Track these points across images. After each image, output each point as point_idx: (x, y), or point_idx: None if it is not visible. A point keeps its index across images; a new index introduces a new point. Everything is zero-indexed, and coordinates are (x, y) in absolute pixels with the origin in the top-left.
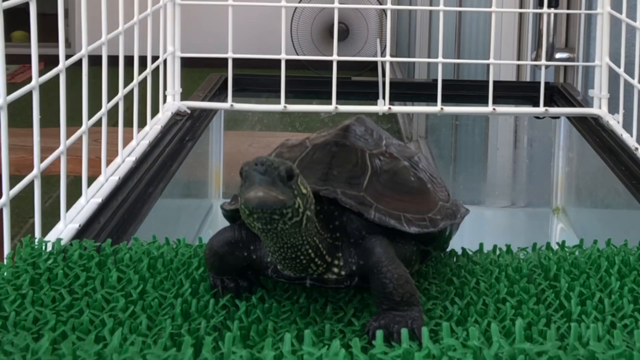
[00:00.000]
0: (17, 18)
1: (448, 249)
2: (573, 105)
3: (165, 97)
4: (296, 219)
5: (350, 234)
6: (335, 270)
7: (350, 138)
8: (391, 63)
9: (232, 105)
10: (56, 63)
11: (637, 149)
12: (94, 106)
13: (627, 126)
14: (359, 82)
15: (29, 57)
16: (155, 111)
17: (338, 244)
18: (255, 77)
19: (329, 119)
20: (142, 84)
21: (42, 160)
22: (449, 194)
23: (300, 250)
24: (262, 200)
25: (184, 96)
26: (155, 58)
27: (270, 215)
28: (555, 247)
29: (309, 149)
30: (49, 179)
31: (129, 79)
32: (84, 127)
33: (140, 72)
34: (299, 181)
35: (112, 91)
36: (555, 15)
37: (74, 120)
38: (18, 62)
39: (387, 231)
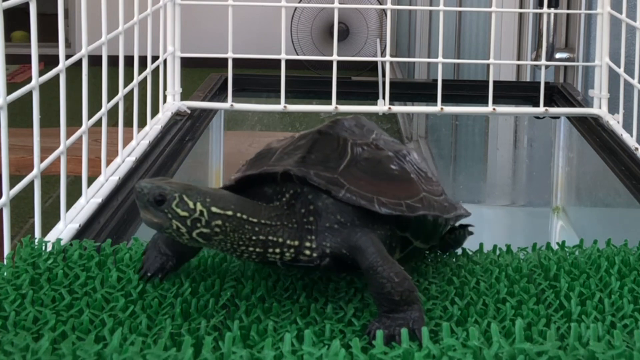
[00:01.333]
0: (17, 18)
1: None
2: (573, 105)
3: (165, 97)
4: (197, 231)
5: (324, 218)
6: (307, 252)
7: (336, 129)
8: (391, 63)
9: (232, 105)
10: (56, 63)
11: (637, 149)
12: (94, 106)
13: (627, 126)
14: (359, 82)
15: (29, 57)
16: (155, 111)
17: (311, 227)
18: (255, 77)
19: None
20: (142, 84)
21: (42, 160)
22: (444, 191)
23: (245, 248)
24: (144, 220)
25: (184, 96)
26: (155, 58)
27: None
28: (555, 247)
29: (295, 138)
30: (49, 179)
31: (129, 79)
32: (84, 127)
33: (140, 72)
34: (174, 205)
35: (112, 91)
36: (555, 15)
37: (74, 120)
38: (18, 62)
39: (361, 214)
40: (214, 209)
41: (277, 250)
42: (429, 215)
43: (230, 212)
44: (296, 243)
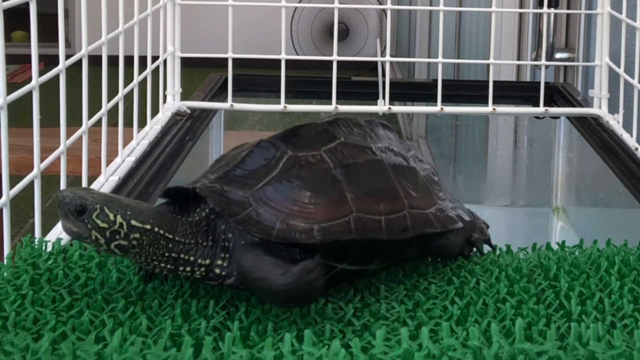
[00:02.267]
0: (17, 18)
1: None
2: (573, 105)
3: (165, 97)
4: (116, 243)
5: (242, 236)
6: (217, 270)
7: (292, 139)
8: (391, 63)
9: (232, 105)
10: (56, 63)
11: (637, 149)
12: (94, 106)
13: (627, 126)
14: (359, 82)
15: (29, 57)
16: (155, 111)
17: (227, 245)
18: (255, 77)
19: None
20: (142, 84)
21: (42, 160)
22: (408, 202)
23: (158, 263)
24: (64, 229)
25: (184, 96)
26: (155, 58)
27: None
28: (555, 247)
29: (240, 148)
30: (49, 179)
31: (129, 79)
32: (84, 127)
33: (140, 72)
34: (94, 215)
35: (112, 91)
36: (555, 15)
37: (74, 120)
38: (18, 62)
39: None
40: (133, 222)
41: (188, 269)
42: (348, 238)
43: (148, 226)
44: (207, 262)
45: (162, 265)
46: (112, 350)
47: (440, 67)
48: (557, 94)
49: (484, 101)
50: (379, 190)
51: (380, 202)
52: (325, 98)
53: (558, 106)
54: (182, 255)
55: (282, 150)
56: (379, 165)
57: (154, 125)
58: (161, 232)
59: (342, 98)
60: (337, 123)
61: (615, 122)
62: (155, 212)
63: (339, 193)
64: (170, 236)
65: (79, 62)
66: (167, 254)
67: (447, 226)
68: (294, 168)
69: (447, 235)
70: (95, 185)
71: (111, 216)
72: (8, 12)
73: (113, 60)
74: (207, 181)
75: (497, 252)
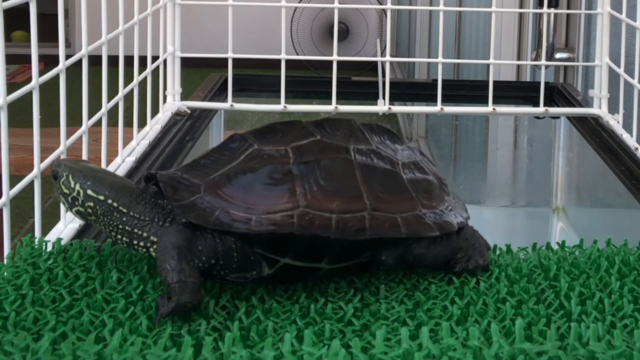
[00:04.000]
0: (17, 18)
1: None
2: (573, 105)
3: (165, 97)
4: (75, 209)
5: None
6: None
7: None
8: (391, 63)
9: (232, 105)
10: (56, 63)
11: (637, 149)
12: (94, 106)
13: (627, 126)
14: (359, 82)
15: (29, 57)
16: (155, 111)
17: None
18: (255, 77)
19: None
20: (142, 84)
21: (42, 160)
22: (372, 205)
23: (115, 234)
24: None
25: (184, 96)
26: (155, 58)
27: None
28: (555, 247)
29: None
30: (49, 179)
31: (129, 79)
32: (84, 127)
33: (140, 72)
34: (61, 182)
35: (112, 91)
36: (555, 15)
37: (74, 120)
38: (18, 62)
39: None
40: (89, 192)
41: (142, 244)
42: (282, 232)
43: (102, 197)
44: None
45: (119, 237)
46: (112, 351)
47: (440, 67)
48: (557, 94)
49: (484, 101)
50: (336, 189)
51: (335, 200)
52: (325, 98)
53: (558, 106)
54: (135, 230)
55: (250, 143)
56: (345, 164)
57: (154, 125)
58: (114, 204)
59: (342, 98)
60: (324, 122)
61: (615, 122)
62: (117, 187)
63: (289, 187)
64: (125, 210)
65: (79, 62)
66: (121, 227)
67: (418, 233)
68: (253, 161)
69: (428, 244)
70: None
71: (72, 184)
72: (8, 12)
73: (113, 60)
74: (177, 169)
75: (497, 252)
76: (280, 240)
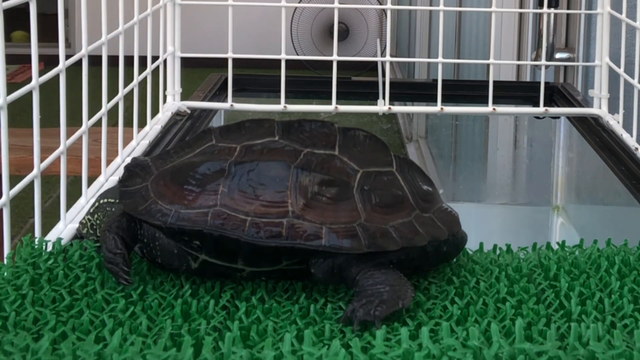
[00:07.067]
0: (17, 18)
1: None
2: (573, 105)
3: (165, 97)
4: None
5: None
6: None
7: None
8: (391, 63)
9: (232, 105)
10: (56, 63)
11: (637, 149)
12: (94, 106)
13: (627, 126)
14: (359, 82)
15: (29, 57)
16: (155, 111)
17: None
18: (255, 77)
19: (329, 119)
20: (142, 84)
21: (42, 160)
22: (296, 212)
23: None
24: None
25: (184, 96)
26: (155, 58)
27: None
28: (555, 246)
29: None
30: (49, 179)
31: (129, 79)
32: (84, 127)
33: (140, 72)
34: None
35: (112, 91)
36: (555, 15)
37: (74, 120)
38: (18, 62)
39: None
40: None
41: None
42: (203, 230)
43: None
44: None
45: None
46: (112, 350)
47: (440, 67)
48: (557, 94)
49: (484, 101)
50: (260, 192)
51: (255, 203)
52: (325, 98)
53: (558, 106)
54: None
55: (210, 138)
56: (281, 168)
57: (154, 125)
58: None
59: (342, 98)
60: (298, 123)
61: (615, 122)
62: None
63: (214, 185)
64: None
65: (79, 62)
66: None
67: (339, 247)
68: (202, 155)
69: (356, 262)
70: (95, 186)
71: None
72: (8, 12)
73: (113, 60)
74: (152, 156)
75: (497, 251)
76: (194, 236)
